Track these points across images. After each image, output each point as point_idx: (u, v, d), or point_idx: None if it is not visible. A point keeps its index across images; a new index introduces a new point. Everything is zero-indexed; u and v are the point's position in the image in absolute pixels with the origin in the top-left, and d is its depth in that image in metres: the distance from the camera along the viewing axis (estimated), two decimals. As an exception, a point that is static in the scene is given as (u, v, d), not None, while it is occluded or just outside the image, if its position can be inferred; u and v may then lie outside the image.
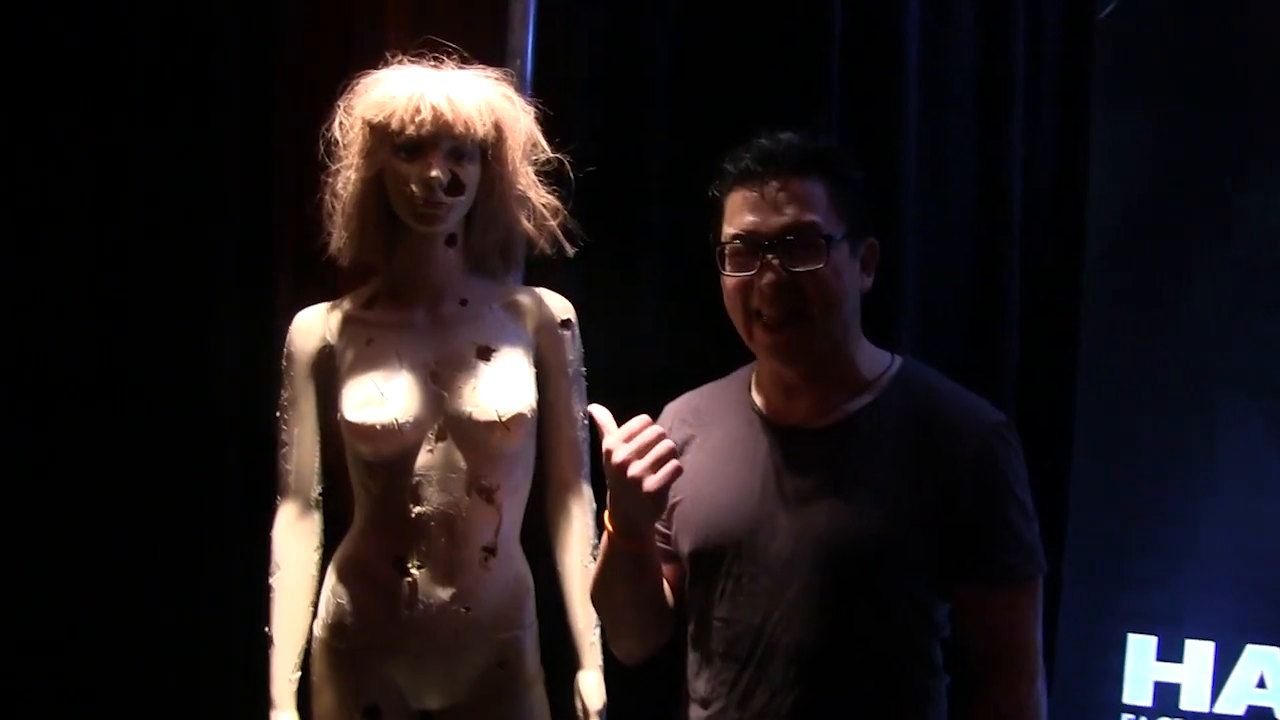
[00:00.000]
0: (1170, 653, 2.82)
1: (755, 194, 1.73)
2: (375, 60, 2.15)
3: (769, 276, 1.71)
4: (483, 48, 2.22)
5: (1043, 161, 2.79)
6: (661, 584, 1.88)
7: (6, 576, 2.75)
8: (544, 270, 2.31)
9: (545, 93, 2.40)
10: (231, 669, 2.66)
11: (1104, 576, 2.80)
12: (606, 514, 1.74)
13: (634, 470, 1.63)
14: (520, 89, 2.34)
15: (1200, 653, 2.81)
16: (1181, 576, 2.81)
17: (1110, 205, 2.79)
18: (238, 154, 2.75)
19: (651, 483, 1.63)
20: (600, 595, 1.89)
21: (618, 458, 1.64)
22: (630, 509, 1.69)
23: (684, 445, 1.87)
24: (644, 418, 1.68)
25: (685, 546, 1.83)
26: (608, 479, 1.68)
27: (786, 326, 1.73)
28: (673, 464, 1.65)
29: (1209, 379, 2.81)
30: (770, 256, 1.71)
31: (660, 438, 1.65)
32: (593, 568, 2.17)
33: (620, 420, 1.71)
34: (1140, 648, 2.83)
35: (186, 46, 2.73)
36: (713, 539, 1.78)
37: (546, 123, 2.22)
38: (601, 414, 1.72)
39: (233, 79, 2.73)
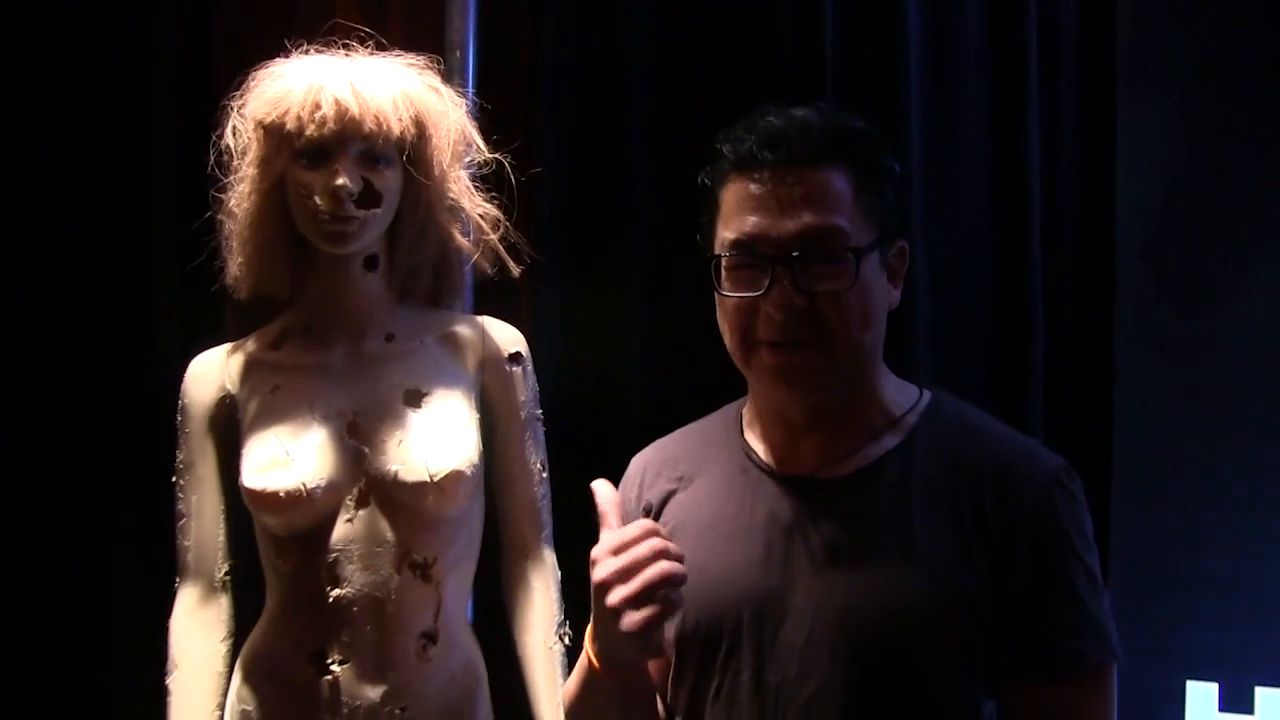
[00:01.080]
0: (1236, 702, 2.52)
1: (762, 188, 1.35)
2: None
3: (781, 299, 1.33)
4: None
5: (1064, 151, 2.54)
6: (654, 703, 1.48)
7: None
8: (501, 290, 1.95)
9: (498, 84, 2.07)
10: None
11: (1155, 616, 2.49)
12: (587, 634, 1.36)
13: (613, 598, 1.22)
14: (458, 81, 1.98)
15: (1272, 702, 2.49)
16: (1245, 614, 2.49)
17: (1143, 200, 2.52)
18: (174, 156, 2.40)
19: (630, 622, 1.22)
20: (574, 714, 1.49)
21: (598, 575, 1.24)
22: (612, 642, 1.29)
23: (662, 505, 1.50)
24: (645, 523, 1.27)
25: (669, 631, 1.42)
26: (591, 594, 1.29)
27: (800, 352, 1.36)
28: (667, 600, 1.24)
29: (1266, 390, 2.51)
30: (781, 272, 1.33)
31: (659, 555, 1.24)
32: (558, 649, 1.81)
33: (601, 472, 1.34)
34: (1201, 697, 2.53)
35: (122, 46, 2.42)
36: (704, 623, 1.39)
37: (492, 119, 1.85)
38: (604, 493, 1.32)
39: (170, 80, 2.41)
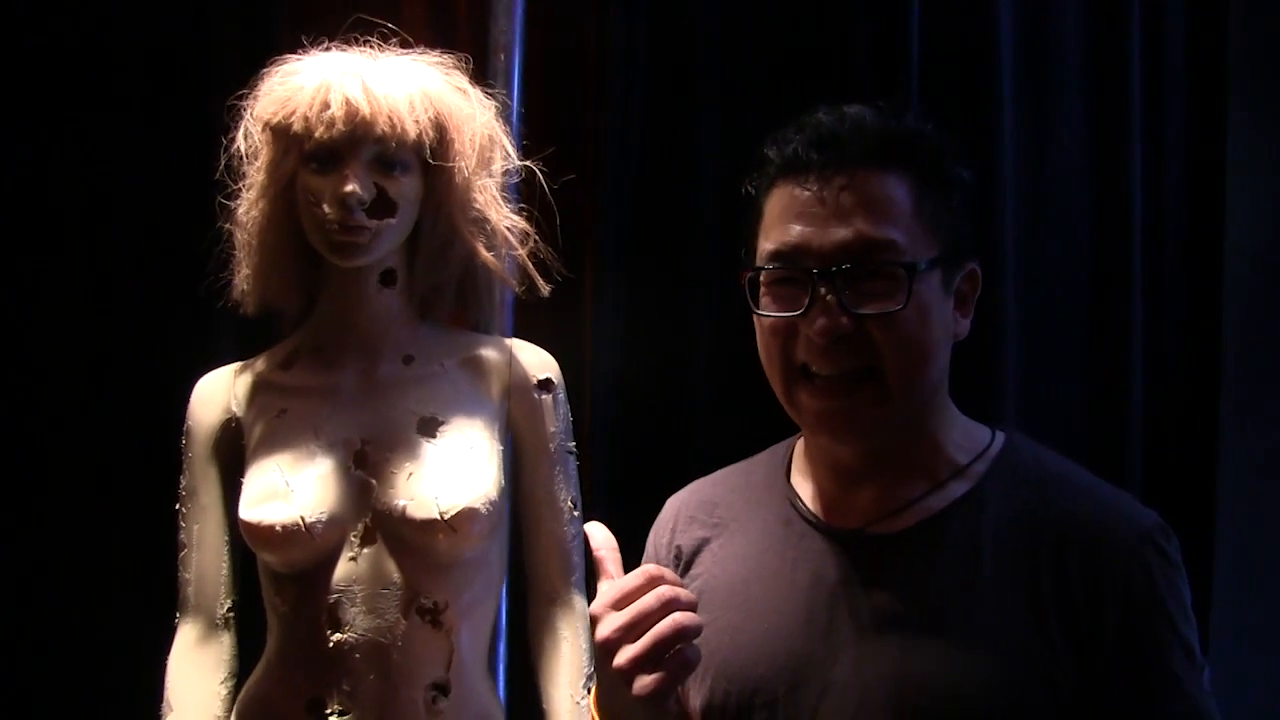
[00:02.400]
0: None
1: (808, 193, 1.20)
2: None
3: (822, 320, 1.18)
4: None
5: (1169, 170, 2.39)
6: None
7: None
8: (551, 306, 1.81)
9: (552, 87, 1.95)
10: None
11: (1259, 683, 2.33)
12: (591, 696, 1.23)
13: (621, 659, 1.08)
14: (502, 85, 1.86)
15: None
16: None
17: (1254, 223, 2.42)
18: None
19: (641, 686, 1.08)
20: None
21: (601, 633, 1.10)
22: (621, 706, 1.15)
23: (695, 553, 1.35)
24: (649, 569, 1.12)
25: (695, 699, 1.29)
26: (594, 654, 1.15)
27: (847, 390, 1.21)
28: (680, 657, 1.10)
29: None
30: (825, 289, 1.18)
31: (668, 606, 1.10)
32: (586, 704, 1.64)
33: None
34: None
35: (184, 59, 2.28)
36: (735, 695, 1.25)
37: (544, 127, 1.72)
38: (598, 537, 1.18)
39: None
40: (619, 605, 1.09)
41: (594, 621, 1.10)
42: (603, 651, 1.09)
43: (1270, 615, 2.32)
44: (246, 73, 1.63)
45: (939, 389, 1.27)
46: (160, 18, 2.20)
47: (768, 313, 1.21)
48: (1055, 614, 1.16)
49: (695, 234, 2.16)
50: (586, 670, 1.67)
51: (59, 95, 2.24)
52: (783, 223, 1.21)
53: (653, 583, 1.09)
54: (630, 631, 1.07)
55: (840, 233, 1.17)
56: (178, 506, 1.67)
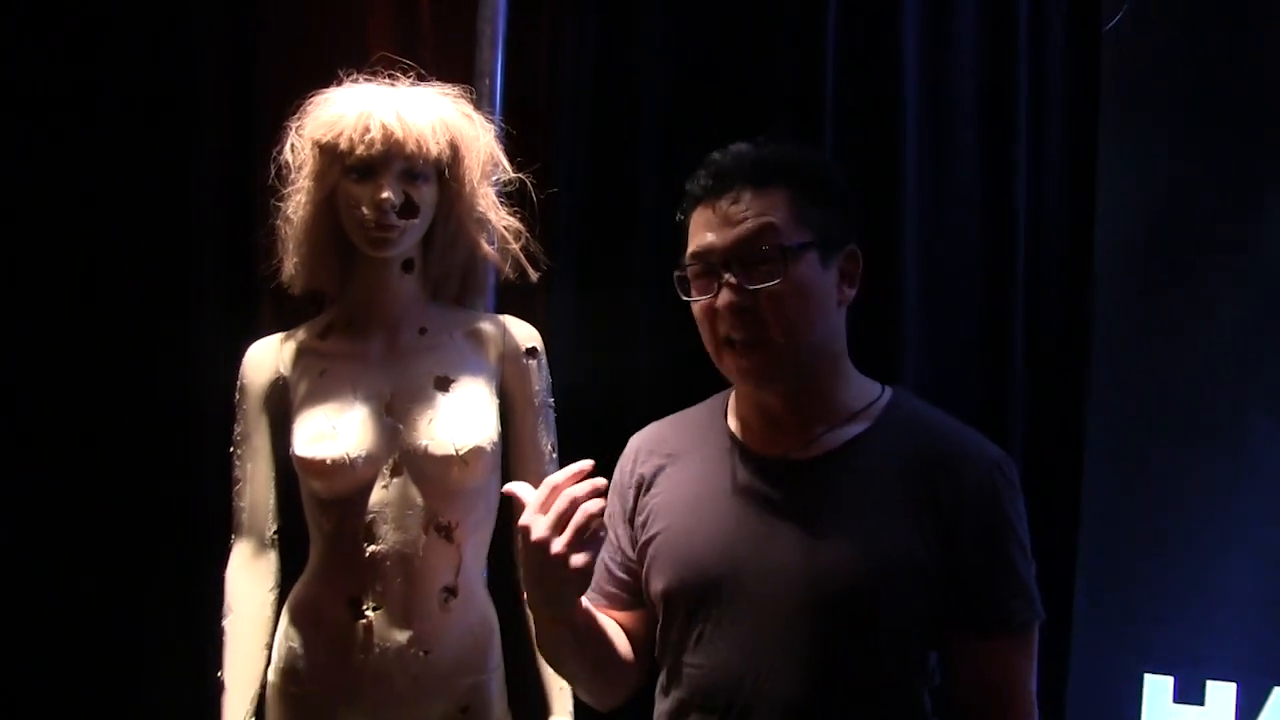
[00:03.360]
0: (1189, 694, 2.78)
1: (709, 211, 1.63)
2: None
3: (725, 297, 1.60)
4: (467, 68, 2.18)
5: (1049, 177, 2.77)
6: (610, 643, 1.74)
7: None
8: (521, 293, 2.25)
9: (521, 112, 2.35)
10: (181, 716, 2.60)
11: (1118, 613, 2.75)
12: (526, 600, 1.64)
13: (558, 546, 1.49)
14: (487, 108, 2.28)
15: (1222, 695, 2.76)
16: (1201, 613, 2.76)
17: (1121, 222, 2.77)
18: (218, 174, 2.71)
19: (578, 560, 1.50)
20: (549, 662, 1.79)
21: (536, 534, 1.50)
22: (553, 590, 1.55)
23: (653, 478, 1.77)
24: (553, 479, 1.53)
25: (657, 585, 1.70)
26: (521, 560, 1.56)
27: (753, 350, 1.62)
28: (595, 536, 1.53)
29: (1231, 402, 2.77)
30: (726, 275, 1.60)
31: (574, 505, 1.51)
32: None
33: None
34: (1157, 689, 2.79)
35: (169, 67, 2.71)
36: (688, 579, 1.66)
37: (516, 143, 2.16)
38: (519, 488, 1.59)
39: (213, 100, 2.71)
40: (541, 510, 1.51)
41: (523, 532, 1.50)
42: (537, 550, 1.50)
43: (1128, 545, 2.77)
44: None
45: (830, 344, 1.68)
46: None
47: (695, 298, 1.65)
48: (927, 520, 1.59)
49: (632, 246, 2.56)
50: None
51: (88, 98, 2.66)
52: (696, 234, 1.63)
53: (555, 490, 1.52)
54: (558, 526, 1.50)
55: (731, 233, 1.58)
56: (231, 450, 2.10)
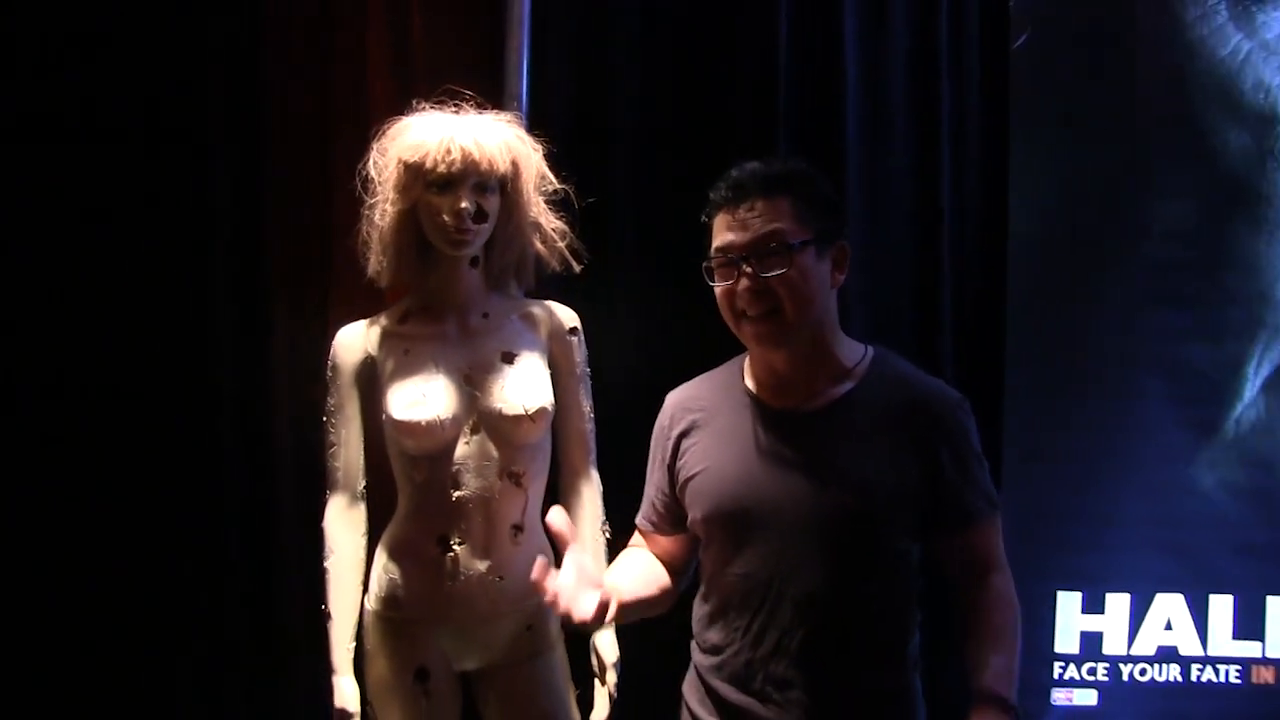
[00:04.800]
0: (1093, 605, 3.42)
1: (731, 215, 2.10)
2: (356, 102, 2.80)
3: (745, 283, 2.07)
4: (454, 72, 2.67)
5: (968, 180, 3.42)
6: (647, 598, 2.24)
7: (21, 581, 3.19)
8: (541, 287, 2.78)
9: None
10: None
11: (1037, 542, 3.34)
12: None
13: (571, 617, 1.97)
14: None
15: (1118, 604, 3.41)
16: (1101, 539, 3.40)
17: (1031, 215, 3.38)
18: (229, 195, 3.23)
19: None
20: None
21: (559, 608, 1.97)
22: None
23: (690, 429, 2.24)
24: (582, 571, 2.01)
25: (697, 514, 2.18)
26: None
27: (766, 320, 2.08)
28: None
29: (1121, 366, 3.39)
30: (745, 267, 2.07)
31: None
32: (601, 540, 2.65)
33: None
34: (1067, 602, 3.42)
35: (181, 94, 3.20)
36: (725, 507, 2.14)
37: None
38: (560, 522, 2.04)
39: (224, 120, 3.22)
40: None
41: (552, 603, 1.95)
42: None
43: (1042, 484, 3.36)
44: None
45: (826, 318, 2.13)
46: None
47: (719, 284, 2.10)
48: (908, 451, 2.08)
49: (609, 252, 3.03)
50: (601, 518, 2.66)
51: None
52: (719, 234, 2.10)
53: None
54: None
55: (748, 234, 2.06)
56: (325, 419, 2.59)
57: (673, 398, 2.34)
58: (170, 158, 3.20)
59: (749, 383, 2.23)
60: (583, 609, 1.95)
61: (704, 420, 2.25)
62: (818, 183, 2.18)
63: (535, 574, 1.94)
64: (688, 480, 2.22)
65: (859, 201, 3.28)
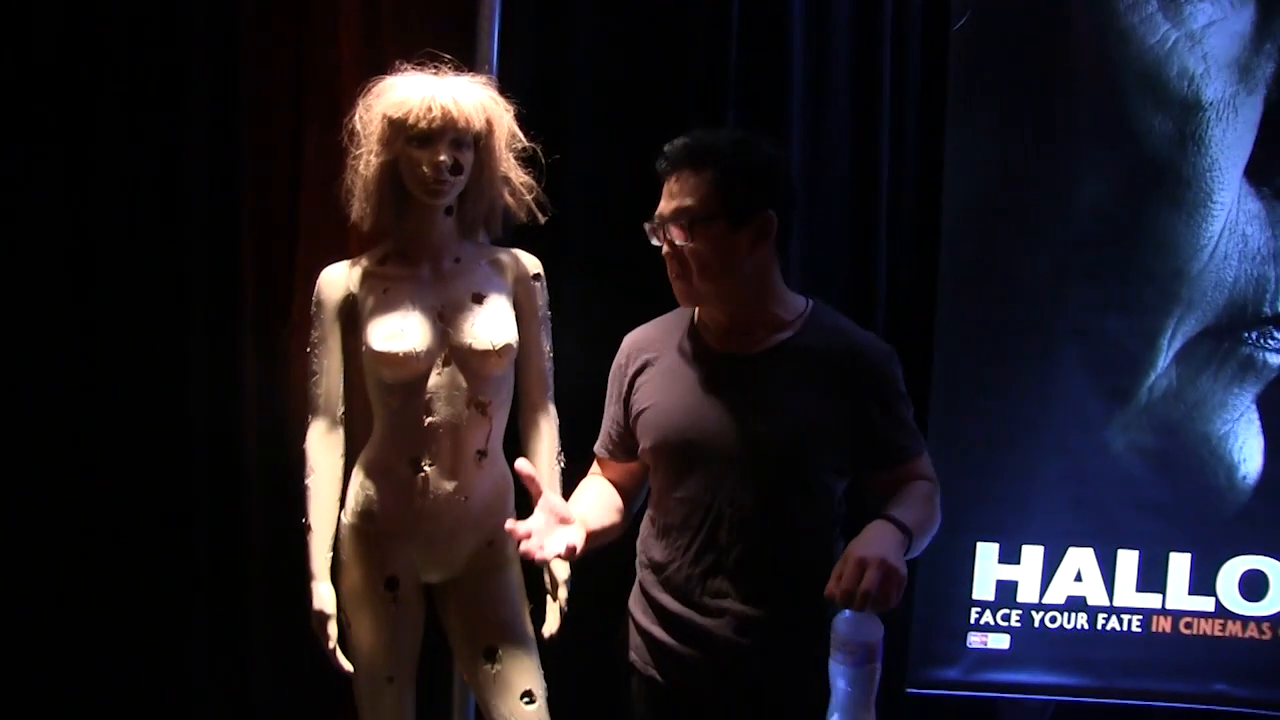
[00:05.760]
0: (1009, 556, 3.74)
1: (664, 184, 2.39)
2: (329, 78, 3.22)
3: (665, 249, 2.40)
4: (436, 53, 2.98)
5: (906, 153, 3.70)
6: (605, 527, 2.51)
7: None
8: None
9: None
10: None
11: (959, 497, 3.44)
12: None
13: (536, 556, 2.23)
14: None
15: (1033, 555, 3.73)
16: (1018, 495, 3.71)
17: (964, 188, 3.62)
18: (205, 169, 3.56)
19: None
20: None
21: (525, 547, 2.23)
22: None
23: (644, 367, 2.53)
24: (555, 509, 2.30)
25: (647, 443, 2.47)
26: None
27: (679, 280, 2.40)
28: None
29: (1043, 335, 3.67)
30: (665, 235, 2.38)
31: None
32: (557, 469, 2.99)
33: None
34: (986, 553, 3.73)
35: (156, 68, 3.51)
36: (671, 438, 2.43)
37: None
38: (526, 468, 2.34)
39: (205, 82, 3.53)
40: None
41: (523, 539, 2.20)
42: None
43: (965, 442, 3.63)
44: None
45: (756, 281, 2.39)
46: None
47: (656, 245, 2.40)
48: (840, 397, 2.36)
49: (568, 205, 3.28)
50: (557, 449, 3.02)
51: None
52: (661, 201, 2.38)
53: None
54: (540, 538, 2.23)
55: (668, 207, 2.35)
56: (308, 349, 2.92)
57: (629, 339, 2.64)
58: (150, 118, 3.53)
59: (698, 328, 2.52)
60: (554, 548, 2.21)
61: (656, 360, 2.54)
62: (748, 155, 2.38)
63: (509, 528, 2.22)
64: (639, 413, 2.51)
65: (801, 170, 3.60)
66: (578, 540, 2.27)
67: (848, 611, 2.10)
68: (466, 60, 3.00)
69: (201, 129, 3.52)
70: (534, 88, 3.36)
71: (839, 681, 2.12)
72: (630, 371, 2.58)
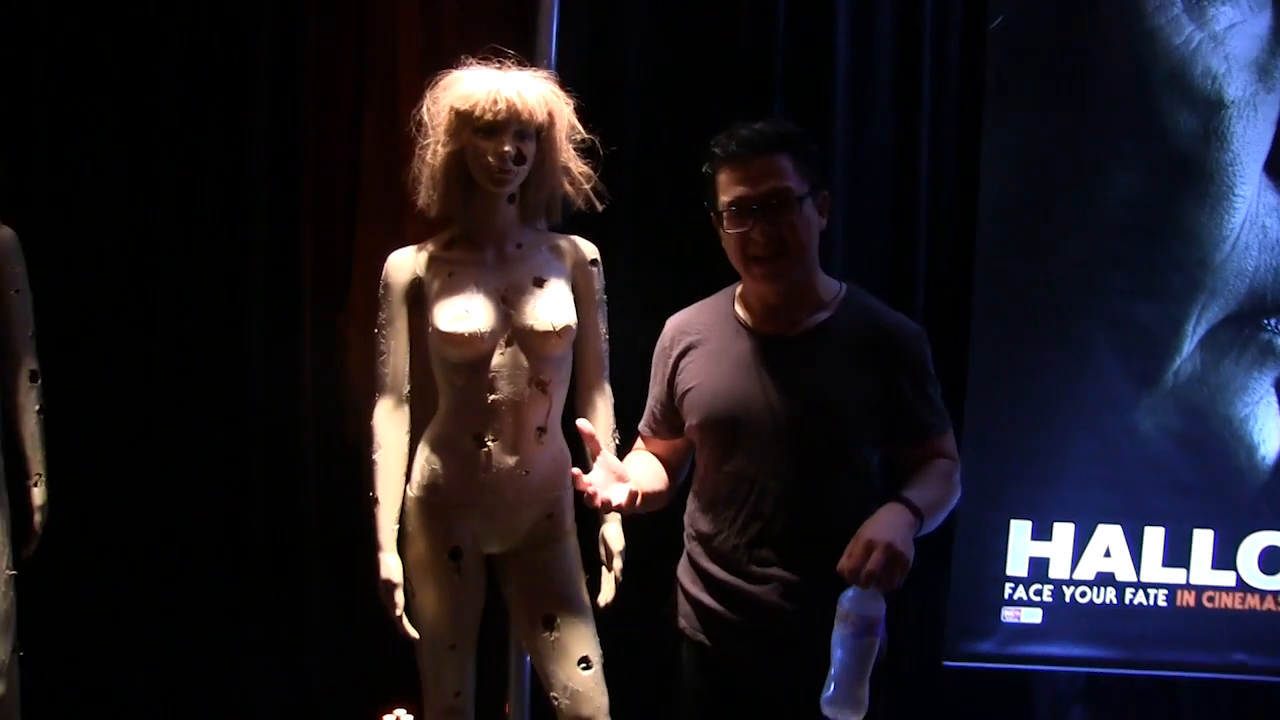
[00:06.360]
0: (1041, 534, 3.94)
1: (741, 171, 2.47)
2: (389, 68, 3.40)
3: (759, 229, 2.46)
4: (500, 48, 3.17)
5: (945, 146, 3.90)
6: (656, 492, 2.66)
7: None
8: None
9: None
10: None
11: (994, 476, 3.87)
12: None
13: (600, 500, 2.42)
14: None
15: (1064, 532, 3.93)
16: (1050, 474, 3.91)
17: (1000, 180, 3.84)
18: (267, 158, 3.79)
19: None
20: None
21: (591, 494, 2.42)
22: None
23: (688, 349, 2.67)
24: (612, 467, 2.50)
25: (694, 420, 2.61)
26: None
27: (775, 260, 2.48)
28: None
29: (1075, 321, 3.87)
30: (759, 215, 2.45)
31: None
32: (612, 445, 3.13)
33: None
34: (1019, 530, 3.94)
35: (220, 59, 3.75)
36: (717, 415, 2.57)
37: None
38: (588, 426, 2.51)
39: (269, 76, 3.77)
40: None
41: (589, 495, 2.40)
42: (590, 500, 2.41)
43: (1000, 424, 3.83)
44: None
45: (814, 259, 2.54)
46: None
47: (731, 231, 2.48)
48: (873, 375, 2.51)
49: (621, 190, 3.36)
50: (612, 426, 3.20)
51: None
52: (731, 187, 2.47)
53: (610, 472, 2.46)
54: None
55: (762, 188, 2.44)
56: (376, 330, 3.11)
57: (672, 322, 2.79)
58: (213, 108, 3.77)
59: (739, 310, 2.66)
60: (617, 497, 2.40)
61: (699, 342, 2.69)
62: (808, 141, 2.57)
63: (574, 473, 2.39)
64: (685, 393, 2.66)
65: (844, 162, 3.81)
66: (638, 495, 2.45)
67: (853, 588, 2.29)
68: (526, 54, 3.19)
69: (264, 118, 3.76)
70: (588, 82, 3.53)
71: (838, 651, 2.30)
72: (675, 353, 2.73)
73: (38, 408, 3.31)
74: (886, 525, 2.35)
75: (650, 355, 2.84)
